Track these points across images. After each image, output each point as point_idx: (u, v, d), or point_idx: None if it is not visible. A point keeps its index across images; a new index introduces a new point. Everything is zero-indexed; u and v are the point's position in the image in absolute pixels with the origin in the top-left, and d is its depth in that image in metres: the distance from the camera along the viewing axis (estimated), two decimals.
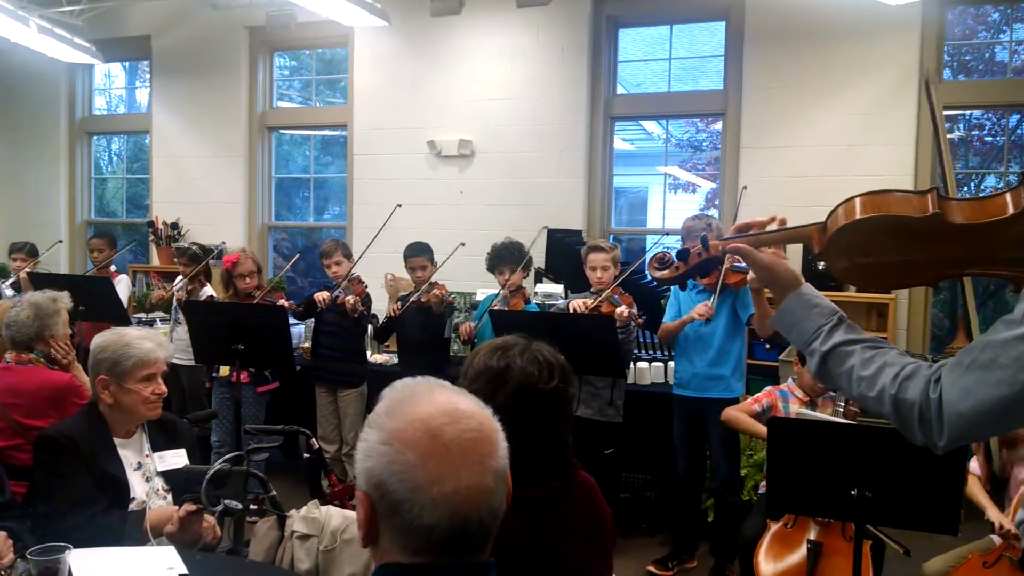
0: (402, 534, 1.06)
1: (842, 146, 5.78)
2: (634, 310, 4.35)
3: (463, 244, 5.12)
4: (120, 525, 2.45)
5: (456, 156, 6.81)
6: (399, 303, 4.99)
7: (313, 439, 3.66)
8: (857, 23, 5.71)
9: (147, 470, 2.69)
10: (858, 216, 1.43)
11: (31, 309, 3.30)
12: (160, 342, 2.74)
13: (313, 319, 5.30)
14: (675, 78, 6.77)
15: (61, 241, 8.05)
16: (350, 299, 4.89)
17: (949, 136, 5.71)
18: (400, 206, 5.45)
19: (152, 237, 7.86)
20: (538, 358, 1.74)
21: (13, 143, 8.85)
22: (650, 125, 8.82)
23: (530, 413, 1.69)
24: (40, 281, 5.40)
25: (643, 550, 4.67)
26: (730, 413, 3.88)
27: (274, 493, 2.73)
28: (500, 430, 1.14)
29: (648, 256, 5.27)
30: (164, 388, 2.70)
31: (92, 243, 6.29)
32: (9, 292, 5.98)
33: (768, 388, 3.94)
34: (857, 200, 1.45)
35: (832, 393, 3.74)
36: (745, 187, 4.52)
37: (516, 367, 1.72)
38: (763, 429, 3.66)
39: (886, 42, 5.67)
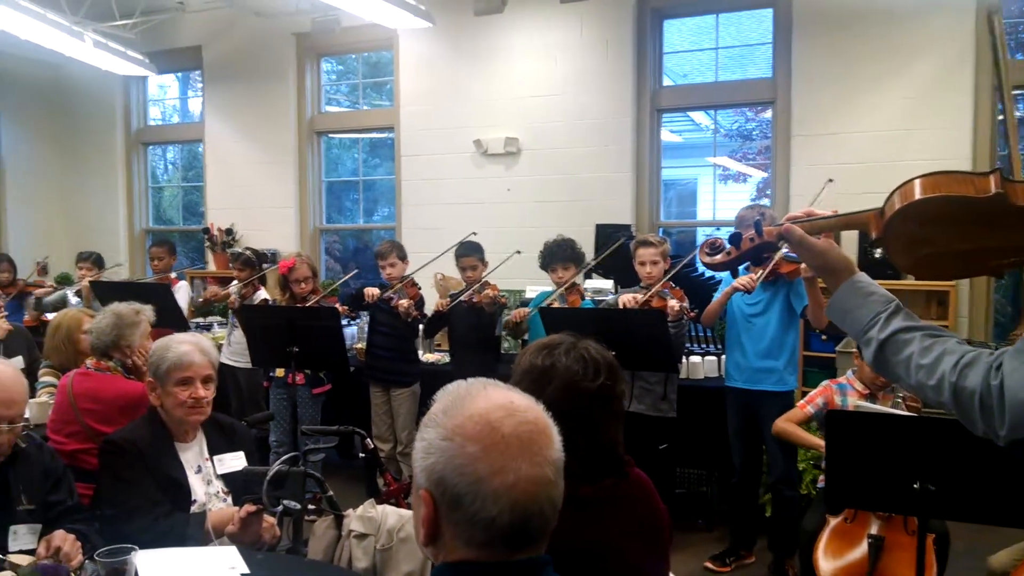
0: (465, 528, 1.08)
1: (896, 131, 5.64)
2: (685, 303, 4.30)
3: (519, 252, 5.09)
4: (183, 526, 2.51)
5: (502, 154, 6.82)
6: (448, 299, 5.01)
7: (368, 439, 3.70)
8: (909, 4, 5.57)
9: (207, 473, 2.74)
10: (917, 198, 1.38)
11: (112, 318, 3.37)
12: (202, 347, 2.74)
13: (368, 319, 5.35)
14: (722, 67, 6.68)
15: (121, 264, 8.28)
16: (404, 303, 4.92)
17: (1001, 118, 5.52)
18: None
19: (208, 243, 8.04)
20: (584, 356, 1.73)
21: (72, 155, 9.13)
22: (698, 116, 8.72)
23: (576, 411, 1.68)
24: (101, 289, 5.57)
25: (700, 546, 4.62)
26: (780, 426, 3.79)
27: (331, 493, 2.76)
28: (554, 424, 1.17)
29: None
30: (203, 393, 2.68)
31: (152, 251, 6.46)
32: (74, 300, 6.17)
33: (825, 383, 3.86)
34: (916, 182, 1.39)
35: (893, 386, 3.65)
36: (831, 179, 4.43)
37: (561, 365, 1.72)
38: (818, 442, 3.61)
39: (940, 22, 5.51)
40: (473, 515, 1.06)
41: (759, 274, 4.02)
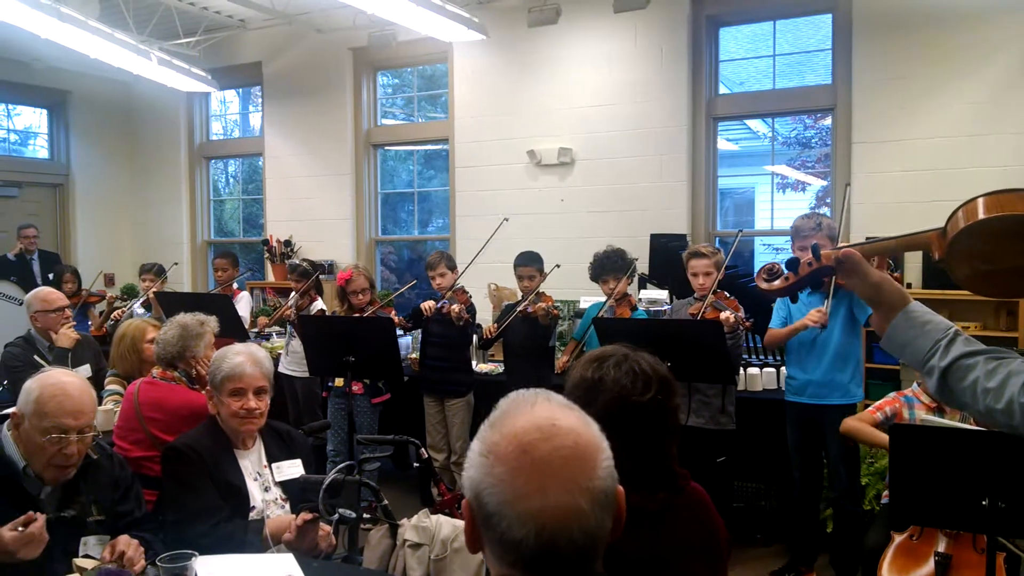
0: (496, 545, 1.06)
1: (962, 137, 5.48)
2: (741, 313, 4.23)
3: (558, 266, 5.10)
4: (242, 533, 2.55)
5: (556, 164, 6.82)
6: (495, 324, 5.03)
7: (422, 449, 3.72)
8: (973, 6, 5.42)
9: (265, 480, 2.78)
10: (981, 217, 1.34)
11: (177, 329, 3.43)
12: (255, 358, 2.77)
13: (421, 330, 5.40)
14: (780, 74, 6.58)
15: (176, 263, 8.44)
16: (455, 307, 4.96)
17: None
18: (507, 220, 5.44)
19: (267, 255, 8.20)
20: (635, 369, 1.70)
21: (138, 169, 9.43)
22: (755, 124, 8.60)
23: (627, 425, 1.65)
24: (166, 300, 5.71)
25: (759, 561, 4.54)
26: (850, 424, 3.70)
27: (386, 502, 2.78)
28: (604, 449, 1.10)
29: (756, 258, 5.13)
30: (254, 404, 2.71)
31: (216, 263, 6.62)
32: (140, 311, 6.33)
33: (892, 394, 3.75)
34: (979, 200, 1.36)
35: None
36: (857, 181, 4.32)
37: (609, 379, 1.69)
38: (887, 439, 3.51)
39: (1006, 24, 5.35)
40: (501, 535, 1.04)
41: (826, 304, 3.89)
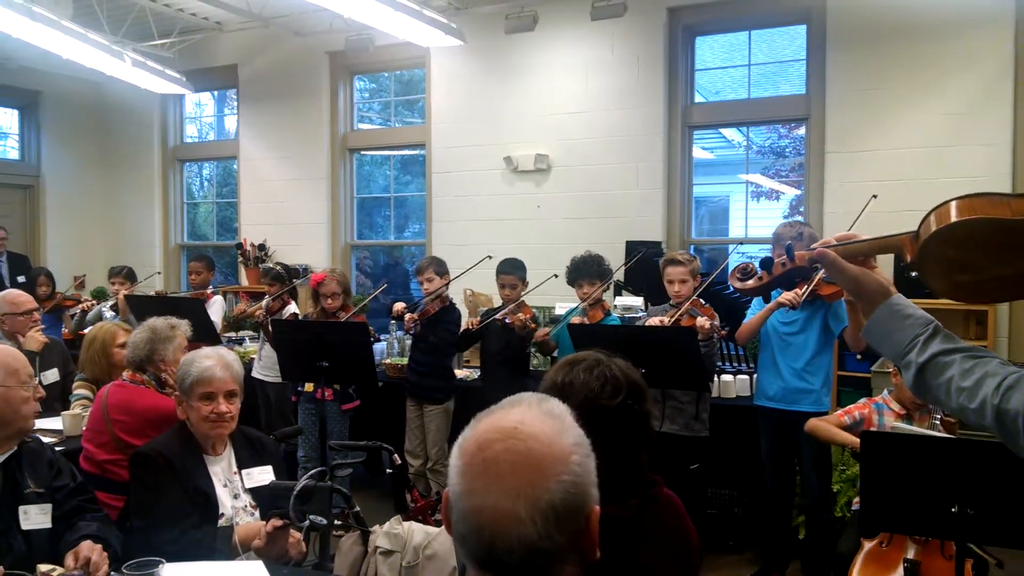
0: (455, 535, 1.08)
1: (933, 148, 5.56)
2: (716, 321, 4.25)
3: (555, 276, 4.97)
4: (211, 540, 2.51)
5: (533, 171, 6.83)
6: (479, 318, 5.01)
7: (395, 455, 3.69)
8: (946, 19, 5.50)
9: (235, 487, 2.75)
10: (952, 220, 1.35)
11: (147, 332, 3.40)
12: (225, 362, 2.74)
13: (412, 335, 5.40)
14: (755, 84, 6.64)
15: (159, 272, 8.37)
16: (432, 306, 4.97)
17: None
18: (490, 257, 5.23)
19: (241, 258, 8.13)
20: (606, 374, 1.70)
21: (111, 171, 9.32)
22: (730, 133, 8.66)
23: (595, 429, 1.64)
24: (136, 303, 5.64)
25: (731, 568, 4.55)
26: (815, 423, 3.74)
27: (357, 508, 2.75)
28: (566, 463, 1.05)
29: (730, 266, 5.17)
30: (225, 408, 2.68)
31: (191, 266, 6.55)
32: (109, 314, 6.25)
33: (863, 400, 3.80)
34: (952, 204, 1.37)
35: (930, 406, 3.58)
36: (875, 195, 4.36)
37: (579, 382, 1.70)
38: (849, 437, 3.54)
39: (978, 37, 5.44)
40: (455, 525, 1.06)
41: (804, 289, 3.95)
